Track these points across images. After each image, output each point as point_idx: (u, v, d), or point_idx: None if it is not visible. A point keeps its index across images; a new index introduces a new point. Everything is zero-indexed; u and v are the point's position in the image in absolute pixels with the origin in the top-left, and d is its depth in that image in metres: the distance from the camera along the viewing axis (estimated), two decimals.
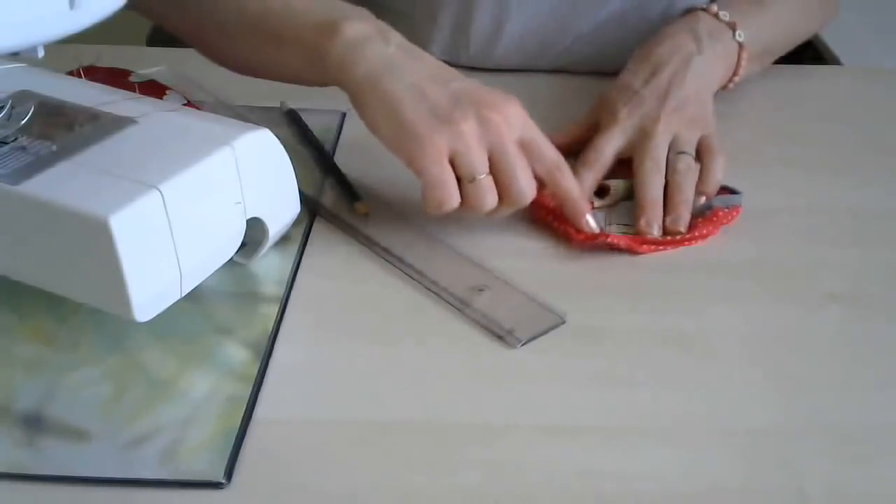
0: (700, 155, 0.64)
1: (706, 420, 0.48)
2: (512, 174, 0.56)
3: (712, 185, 0.63)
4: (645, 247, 0.59)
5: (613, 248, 0.59)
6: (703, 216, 0.62)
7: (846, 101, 0.77)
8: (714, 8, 0.71)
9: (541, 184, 0.58)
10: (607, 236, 0.59)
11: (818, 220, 0.64)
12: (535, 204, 0.59)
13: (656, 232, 0.60)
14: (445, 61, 0.60)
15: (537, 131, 0.58)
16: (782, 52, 0.79)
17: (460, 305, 0.54)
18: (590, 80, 0.80)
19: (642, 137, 0.64)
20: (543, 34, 0.79)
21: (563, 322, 0.53)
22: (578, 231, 0.59)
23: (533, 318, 0.53)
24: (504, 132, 0.55)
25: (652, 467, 0.45)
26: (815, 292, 0.57)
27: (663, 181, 0.62)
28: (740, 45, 0.71)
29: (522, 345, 0.52)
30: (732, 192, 0.64)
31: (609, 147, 0.65)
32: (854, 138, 0.73)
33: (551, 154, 0.58)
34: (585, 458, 0.45)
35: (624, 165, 0.65)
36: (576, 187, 0.59)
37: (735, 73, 0.72)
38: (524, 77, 0.81)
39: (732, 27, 0.71)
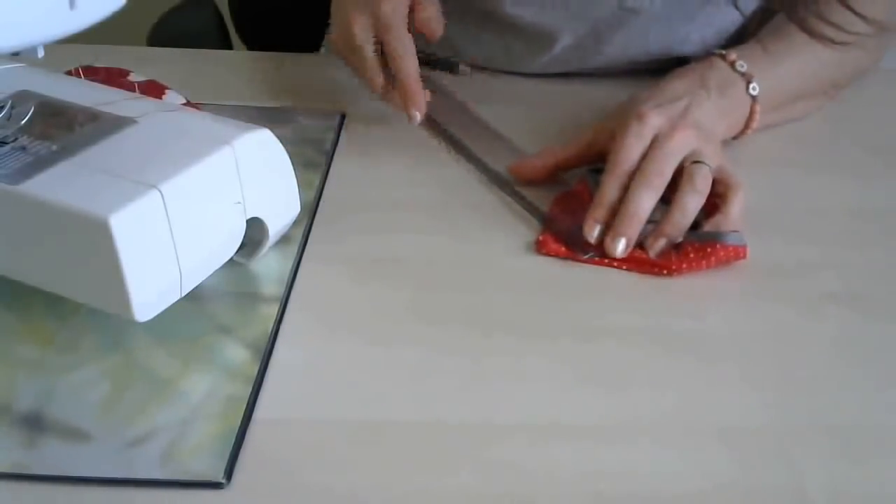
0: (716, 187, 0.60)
1: (706, 420, 0.48)
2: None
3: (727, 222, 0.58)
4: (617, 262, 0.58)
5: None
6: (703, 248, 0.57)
7: (846, 101, 0.77)
8: (732, 56, 0.67)
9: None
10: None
11: (818, 220, 0.64)
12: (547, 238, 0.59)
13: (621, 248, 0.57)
14: None
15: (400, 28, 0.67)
16: (813, 98, 0.74)
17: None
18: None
19: (654, 142, 0.60)
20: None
21: None
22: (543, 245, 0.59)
23: None
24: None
25: (652, 467, 0.45)
26: (815, 292, 0.57)
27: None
28: (753, 99, 0.67)
29: None
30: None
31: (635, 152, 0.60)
32: (854, 138, 0.73)
33: (396, 44, 0.66)
34: (585, 458, 0.45)
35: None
36: (413, 73, 0.66)
37: (747, 127, 0.68)
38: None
39: (747, 79, 0.66)
